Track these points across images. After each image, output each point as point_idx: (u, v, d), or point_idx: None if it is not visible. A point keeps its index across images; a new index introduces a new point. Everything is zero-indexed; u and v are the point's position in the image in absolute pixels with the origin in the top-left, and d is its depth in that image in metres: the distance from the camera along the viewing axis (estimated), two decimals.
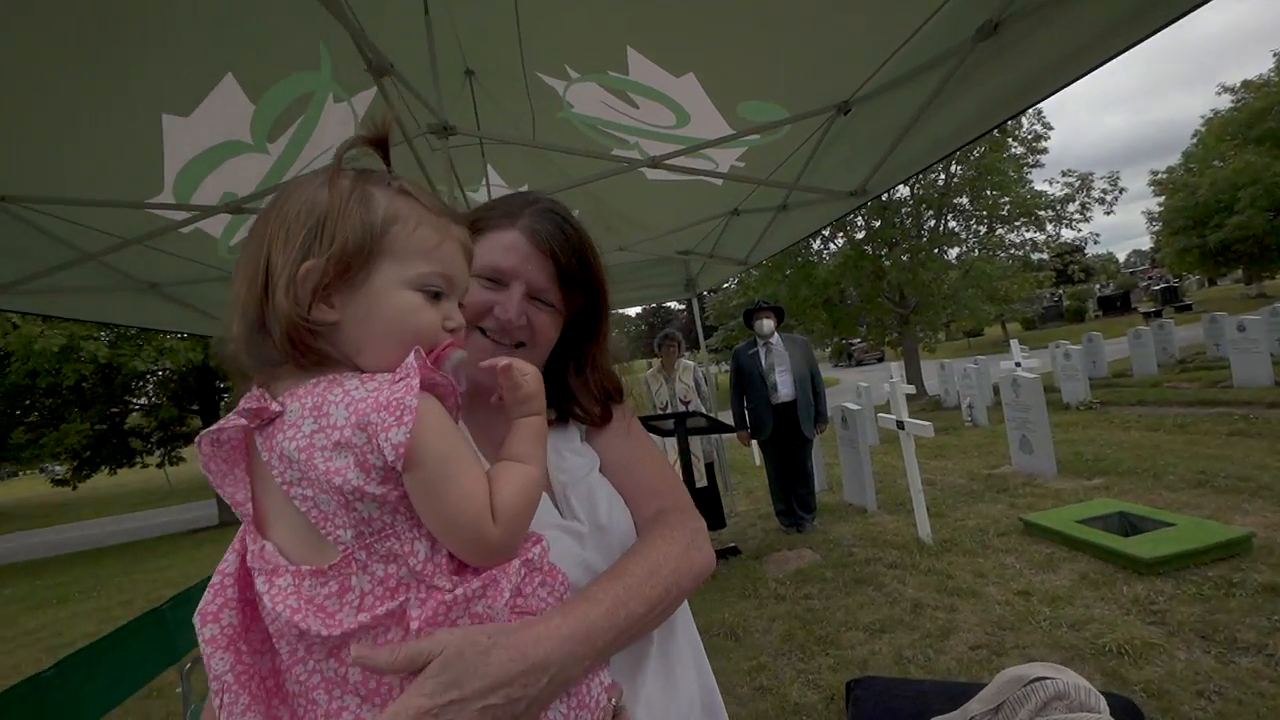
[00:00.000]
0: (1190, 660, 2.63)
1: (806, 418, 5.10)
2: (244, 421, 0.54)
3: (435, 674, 0.51)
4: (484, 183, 3.92)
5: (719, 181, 3.62)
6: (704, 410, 5.26)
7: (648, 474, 0.87)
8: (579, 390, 0.88)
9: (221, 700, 0.51)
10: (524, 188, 4.07)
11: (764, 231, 3.86)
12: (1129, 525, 4.04)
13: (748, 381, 5.19)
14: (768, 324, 5.19)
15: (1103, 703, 1.43)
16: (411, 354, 0.55)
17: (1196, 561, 3.42)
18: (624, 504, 0.83)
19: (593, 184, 4.01)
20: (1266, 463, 5.07)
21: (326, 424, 0.51)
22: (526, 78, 3.05)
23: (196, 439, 0.55)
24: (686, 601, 0.89)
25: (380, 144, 0.63)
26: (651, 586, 0.69)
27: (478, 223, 0.82)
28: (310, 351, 0.56)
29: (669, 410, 5.21)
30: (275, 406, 0.54)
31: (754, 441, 5.32)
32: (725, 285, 25.16)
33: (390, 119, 0.64)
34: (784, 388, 5.11)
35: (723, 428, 4.69)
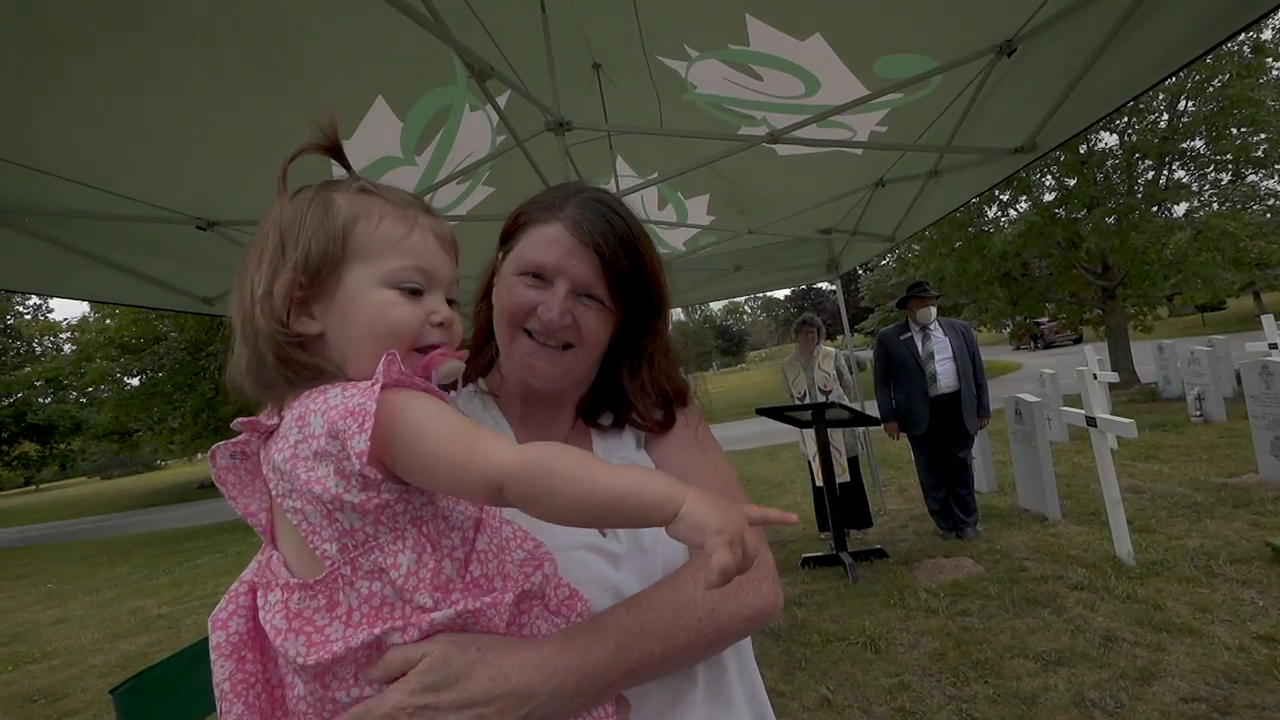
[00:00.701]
0: None
1: (970, 410, 4.53)
2: (243, 436, 0.56)
3: (421, 672, 0.51)
4: (613, 175, 3.97)
5: (859, 151, 3.29)
6: (846, 400, 4.88)
7: (709, 490, 0.77)
8: (635, 393, 0.81)
9: (220, 708, 0.54)
10: (653, 175, 4.07)
11: (912, 203, 3.44)
12: None
13: (900, 370, 4.71)
14: (931, 312, 4.68)
15: None
16: (383, 359, 0.53)
17: None
18: None
19: (724, 166, 3.89)
20: None
21: (307, 433, 0.51)
22: (649, 63, 3.01)
23: (211, 451, 0.58)
24: (750, 639, 0.79)
25: (331, 150, 0.61)
26: (679, 627, 0.62)
27: (520, 217, 0.78)
28: (301, 367, 0.56)
29: (807, 400, 4.92)
30: (273, 420, 0.55)
31: (903, 435, 4.83)
32: (883, 263, 23.27)
33: (334, 121, 0.61)
34: (945, 378, 4.58)
35: (866, 420, 4.31)
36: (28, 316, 23.72)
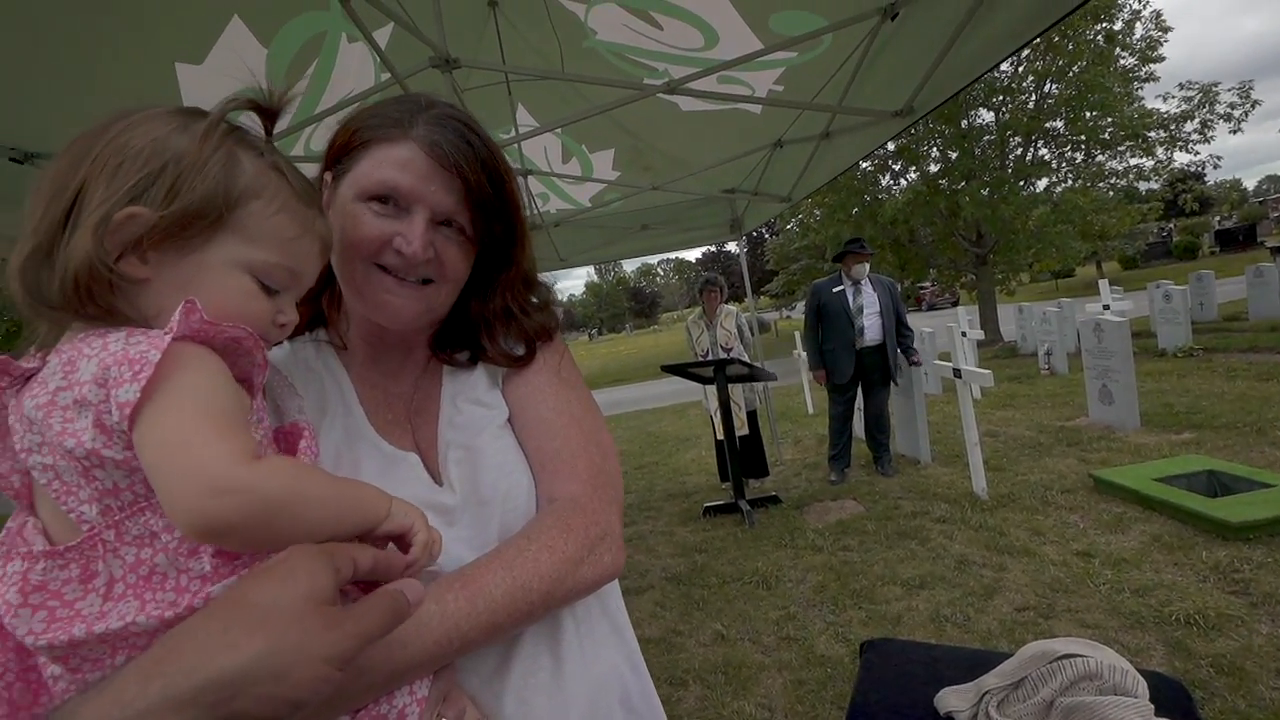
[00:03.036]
0: (1274, 634, 2.37)
1: (894, 363, 4.93)
2: None
3: None
4: (513, 125, 3.80)
5: (757, 109, 3.34)
6: (746, 358, 5.09)
7: (567, 441, 0.72)
8: (492, 326, 0.75)
9: None
10: (557, 131, 3.93)
11: (807, 163, 3.57)
12: (1218, 485, 3.65)
13: (831, 321, 4.95)
14: (865, 268, 4.92)
15: (1142, 685, 1.28)
16: (181, 306, 0.46)
17: None
18: (526, 471, 0.71)
19: (629, 121, 3.82)
20: None
21: (73, 379, 0.44)
22: (548, 4, 2.86)
23: None
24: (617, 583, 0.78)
25: (269, 113, 0.56)
26: (510, 612, 0.58)
27: (358, 133, 0.67)
28: (96, 303, 0.48)
29: (709, 358, 5.08)
30: (33, 363, 0.48)
31: (811, 384, 5.18)
32: (788, 227, 24.13)
33: (289, 96, 0.56)
34: (871, 332, 4.89)
35: (764, 375, 4.53)
36: None
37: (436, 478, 0.69)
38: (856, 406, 5.32)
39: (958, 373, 4.19)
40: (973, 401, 4.21)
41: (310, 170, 0.71)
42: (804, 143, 3.45)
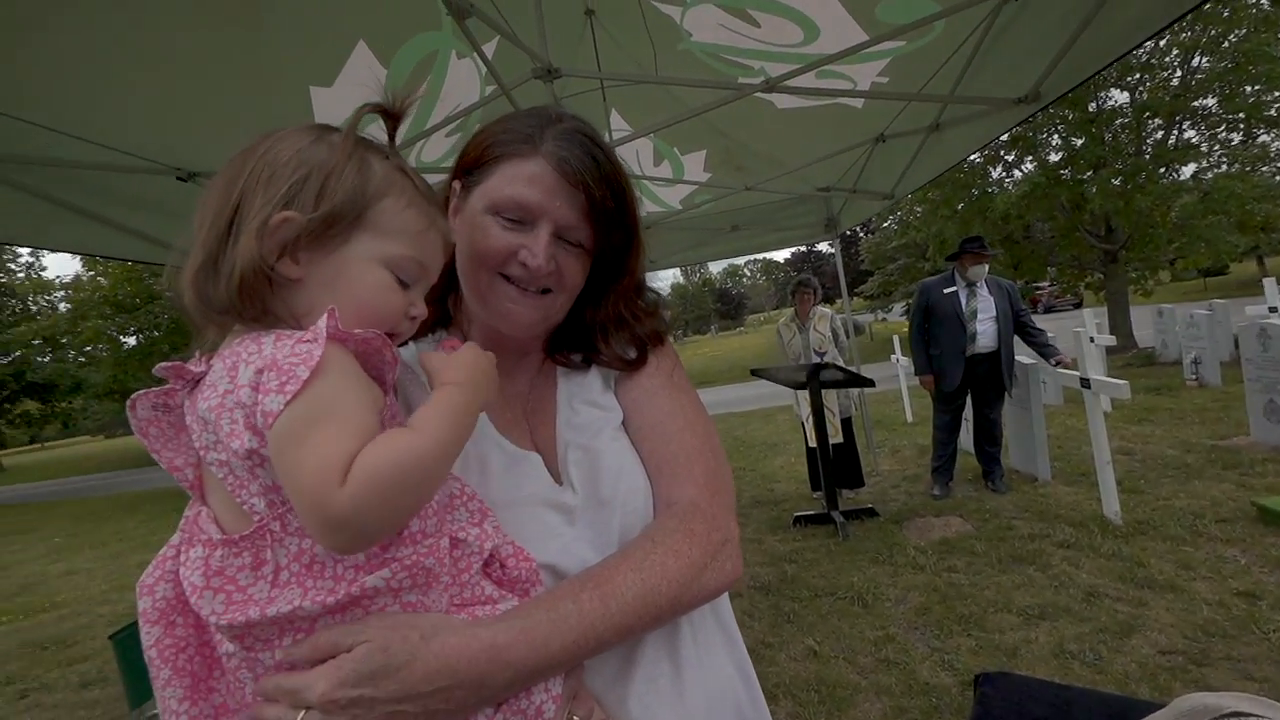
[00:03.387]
0: None
1: (1008, 371, 4.54)
2: (167, 385, 0.54)
3: (355, 663, 0.48)
4: (607, 129, 3.86)
5: (859, 103, 3.19)
6: (840, 362, 4.88)
7: (683, 444, 0.72)
8: (605, 329, 0.77)
9: (150, 673, 0.52)
10: (649, 136, 3.96)
11: (913, 158, 3.35)
12: None
13: (941, 324, 4.61)
14: (983, 269, 4.55)
15: None
16: (325, 315, 0.50)
17: None
18: (643, 473, 0.71)
19: (722, 121, 3.78)
20: None
21: (236, 382, 0.49)
22: (643, 8, 2.89)
23: (130, 400, 0.55)
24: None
25: (394, 117, 0.61)
26: (641, 615, 0.58)
27: (490, 148, 0.70)
28: (256, 304, 0.53)
29: (802, 362, 4.91)
30: (200, 367, 0.53)
31: (911, 391, 4.86)
32: (884, 225, 22.94)
33: (411, 99, 0.61)
34: (985, 338, 4.51)
35: (861, 381, 4.31)
36: (20, 275, 23.51)
37: (556, 477, 0.71)
38: (964, 417, 4.94)
39: (1086, 382, 3.78)
40: (1103, 415, 3.78)
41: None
42: (909, 136, 3.24)
